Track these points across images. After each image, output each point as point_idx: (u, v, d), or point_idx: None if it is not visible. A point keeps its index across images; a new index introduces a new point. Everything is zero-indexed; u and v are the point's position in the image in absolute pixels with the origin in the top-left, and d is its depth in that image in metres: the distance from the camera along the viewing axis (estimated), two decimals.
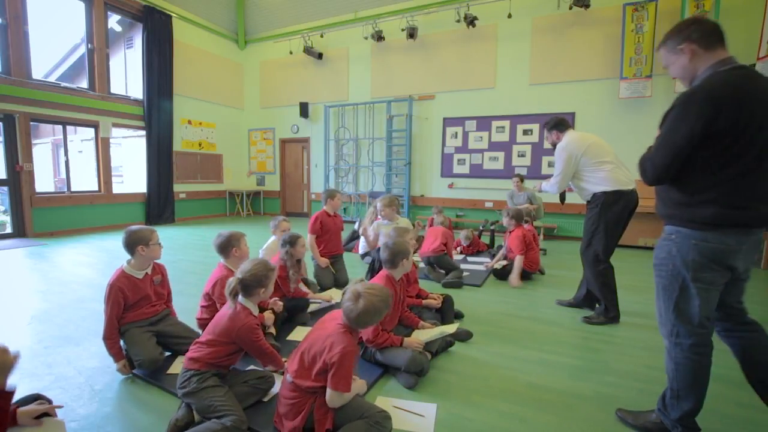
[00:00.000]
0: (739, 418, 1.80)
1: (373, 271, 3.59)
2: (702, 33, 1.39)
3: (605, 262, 2.91)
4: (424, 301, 2.81)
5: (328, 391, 1.49)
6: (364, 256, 4.73)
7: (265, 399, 1.85)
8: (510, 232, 4.22)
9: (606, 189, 2.82)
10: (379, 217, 4.10)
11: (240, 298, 1.79)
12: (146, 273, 2.25)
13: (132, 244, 2.17)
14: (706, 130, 1.32)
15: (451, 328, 2.39)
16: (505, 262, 4.20)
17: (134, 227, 2.22)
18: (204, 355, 1.71)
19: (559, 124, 3.08)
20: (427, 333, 2.30)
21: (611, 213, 2.82)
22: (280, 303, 2.55)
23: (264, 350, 1.81)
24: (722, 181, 1.36)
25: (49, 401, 1.44)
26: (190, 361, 1.72)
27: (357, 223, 5.86)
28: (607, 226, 2.84)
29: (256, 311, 1.85)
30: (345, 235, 5.02)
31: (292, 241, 2.84)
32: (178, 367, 2.05)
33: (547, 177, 3.35)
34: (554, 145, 3.10)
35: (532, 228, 4.59)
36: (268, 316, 2.45)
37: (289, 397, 1.56)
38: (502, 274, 4.17)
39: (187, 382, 1.68)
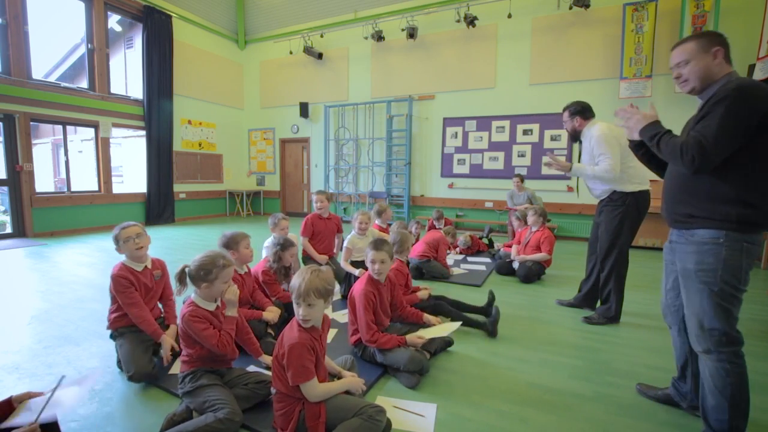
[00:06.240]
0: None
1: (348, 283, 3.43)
2: (727, 46, 1.51)
3: (627, 262, 2.90)
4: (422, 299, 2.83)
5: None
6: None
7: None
8: (535, 231, 4.21)
9: (633, 189, 2.77)
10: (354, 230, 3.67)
11: (194, 292, 1.78)
12: (146, 267, 2.22)
13: (115, 243, 2.17)
14: (760, 122, 1.35)
15: (453, 326, 2.36)
16: (532, 258, 4.15)
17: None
18: (190, 355, 1.74)
19: (586, 110, 2.93)
20: (430, 331, 2.28)
21: (637, 212, 2.80)
22: (276, 309, 2.50)
23: (206, 339, 1.69)
24: (759, 180, 1.39)
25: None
26: (183, 364, 1.76)
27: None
28: (633, 225, 2.82)
29: (209, 306, 1.77)
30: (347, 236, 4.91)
31: (284, 246, 2.75)
32: (179, 367, 2.04)
33: (548, 177, 3.18)
34: (573, 132, 2.98)
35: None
36: (270, 312, 2.43)
37: (278, 408, 1.57)
38: (510, 270, 4.27)
39: (182, 384, 1.72)
